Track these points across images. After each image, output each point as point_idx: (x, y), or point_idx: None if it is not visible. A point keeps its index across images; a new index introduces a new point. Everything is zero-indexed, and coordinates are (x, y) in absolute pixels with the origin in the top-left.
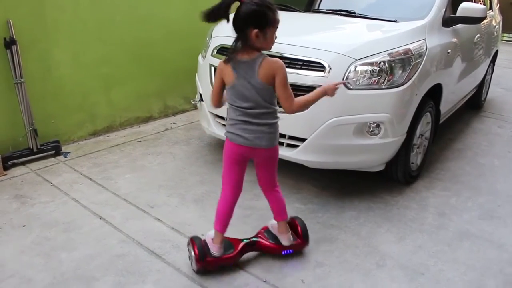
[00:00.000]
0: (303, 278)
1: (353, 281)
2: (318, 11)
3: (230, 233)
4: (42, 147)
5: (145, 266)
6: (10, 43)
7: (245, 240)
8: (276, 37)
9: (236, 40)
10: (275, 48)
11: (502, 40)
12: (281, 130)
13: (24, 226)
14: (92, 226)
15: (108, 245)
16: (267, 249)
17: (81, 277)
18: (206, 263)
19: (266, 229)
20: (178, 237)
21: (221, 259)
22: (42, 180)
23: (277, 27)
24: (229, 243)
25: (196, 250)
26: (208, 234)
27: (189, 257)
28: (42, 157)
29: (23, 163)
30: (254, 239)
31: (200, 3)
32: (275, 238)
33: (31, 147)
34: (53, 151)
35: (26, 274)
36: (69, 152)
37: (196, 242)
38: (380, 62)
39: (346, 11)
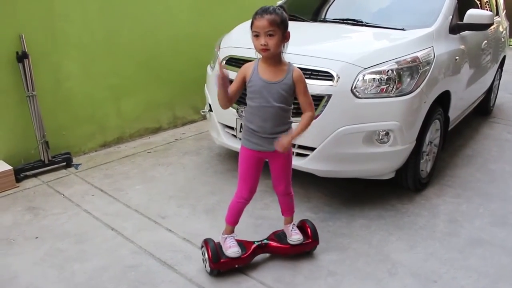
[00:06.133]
0: (315, 287)
1: None
2: (325, 21)
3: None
4: (53, 159)
5: (157, 277)
6: (22, 57)
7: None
8: (262, 41)
9: None
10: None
11: (510, 45)
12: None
13: (36, 237)
14: (104, 237)
15: (120, 256)
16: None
17: None
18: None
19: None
20: (189, 247)
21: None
22: (53, 191)
23: (254, 32)
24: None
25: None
26: (221, 236)
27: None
28: (54, 169)
29: (35, 175)
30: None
31: (207, 13)
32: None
33: (43, 159)
34: (64, 163)
35: (39, 286)
36: (80, 164)
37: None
38: (388, 71)
39: (353, 20)
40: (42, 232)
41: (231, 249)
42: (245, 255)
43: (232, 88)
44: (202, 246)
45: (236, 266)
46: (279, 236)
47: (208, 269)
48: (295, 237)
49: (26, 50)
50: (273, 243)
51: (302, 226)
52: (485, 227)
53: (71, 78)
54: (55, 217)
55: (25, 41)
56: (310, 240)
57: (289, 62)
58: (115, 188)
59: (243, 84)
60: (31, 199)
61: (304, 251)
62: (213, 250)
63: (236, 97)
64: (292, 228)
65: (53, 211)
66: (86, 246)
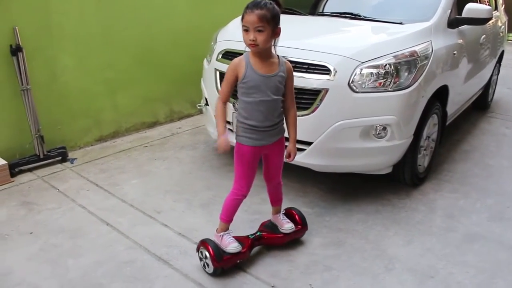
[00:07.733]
0: (311, 282)
1: (362, 285)
2: (322, 14)
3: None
4: (48, 153)
5: (152, 272)
6: (16, 50)
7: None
8: (251, 37)
9: None
10: (281, 52)
11: (508, 40)
12: (287, 133)
13: (31, 233)
14: (99, 232)
15: (115, 252)
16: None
17: (88, 284)
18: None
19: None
20: (185, 242)
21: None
22: (48, 186)
23: (244, 26)
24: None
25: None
26: (217, 235)
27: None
28: (49, 164)
29: (30, 170)
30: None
31: (204, 8)
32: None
33: (38, 154)
34: (60, 157)
35: (33, 282)
36: (76, 158)
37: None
38: (386, 65)
39: (351, 13)
40: (37, 227)
41: (231, 245)
42: (244, 250)
43: (226, 89)
44: (199, 248)
45: (238, 261)
46: (269, 226)
47: (211, 269)
48: (287, 226)
49: (20, 43)
50: (267, 234)
51: (290, 214)
52: (482, 222)
53: (66, 72)
54: (49, 212)
55: (19, 34)
56: (300, 226)
57: (278, 55)
58: (111, 183)
59: (236, 81)
60: (25, 194)
61: (295, 238)
62: (215, 248)
63: (230, 95)
64: (282, 217)
65: (48, 206)
66: (80, 241)
